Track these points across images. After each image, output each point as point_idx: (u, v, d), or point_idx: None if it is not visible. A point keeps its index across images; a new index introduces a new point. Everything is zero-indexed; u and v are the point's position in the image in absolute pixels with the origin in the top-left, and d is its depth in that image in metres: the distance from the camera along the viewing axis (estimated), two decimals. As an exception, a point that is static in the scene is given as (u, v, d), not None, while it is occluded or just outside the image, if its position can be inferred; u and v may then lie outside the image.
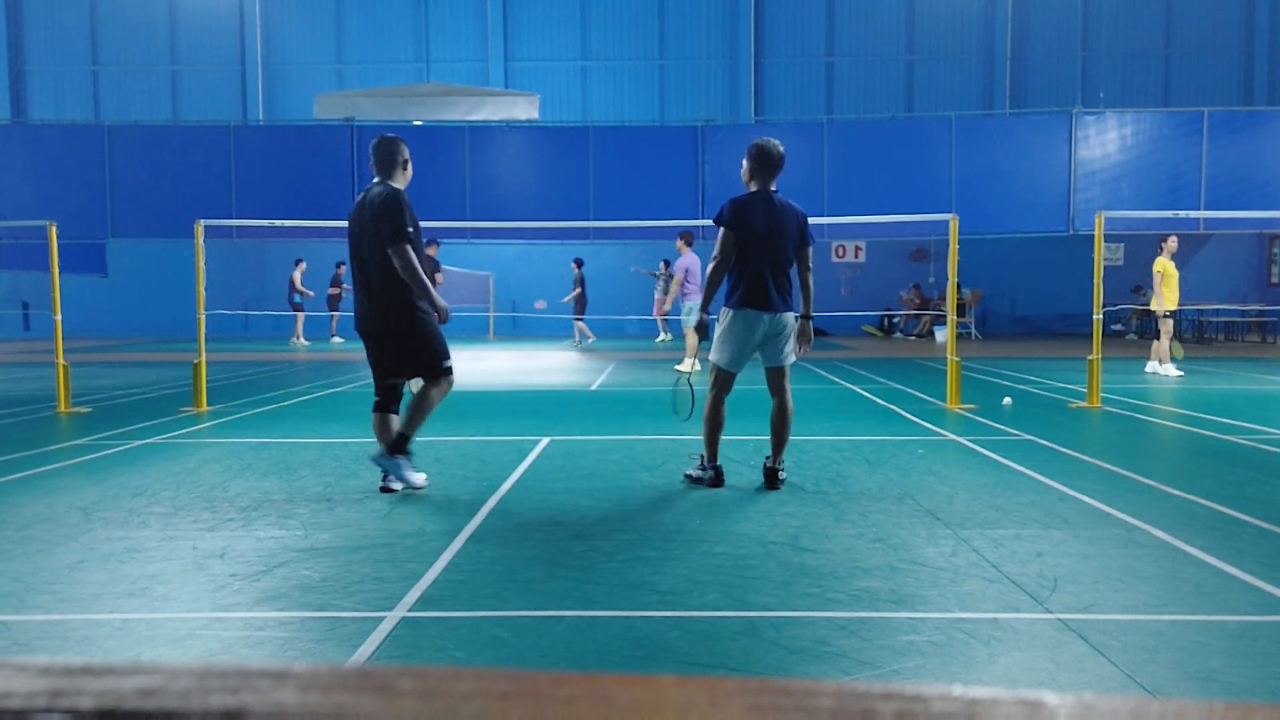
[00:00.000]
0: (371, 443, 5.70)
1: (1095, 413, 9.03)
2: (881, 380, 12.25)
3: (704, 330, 5.86)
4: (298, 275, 21.06)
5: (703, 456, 5.69)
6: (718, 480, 5.58)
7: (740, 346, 5.63)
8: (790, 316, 5.67)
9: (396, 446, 5.41)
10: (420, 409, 5.48)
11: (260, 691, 0.40)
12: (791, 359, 5.73)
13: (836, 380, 12.38)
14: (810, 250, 5.76)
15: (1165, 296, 12.81)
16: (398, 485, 5.45)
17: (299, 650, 3.09)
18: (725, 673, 2.86)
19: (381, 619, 3.32)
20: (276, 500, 5.26)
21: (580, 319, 19.88)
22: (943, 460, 6.54)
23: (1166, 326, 13.09)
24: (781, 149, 5.74)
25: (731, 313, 5.61)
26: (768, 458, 5.68)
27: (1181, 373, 13.01)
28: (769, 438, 5.75)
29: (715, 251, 5.62)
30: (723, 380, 5.73)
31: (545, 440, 7.42)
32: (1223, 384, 12.05)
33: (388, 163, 5.56)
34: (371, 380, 5.67)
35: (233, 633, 3.24)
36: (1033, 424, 8.14)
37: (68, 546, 4.30)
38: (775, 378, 5.73)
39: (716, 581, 3.75)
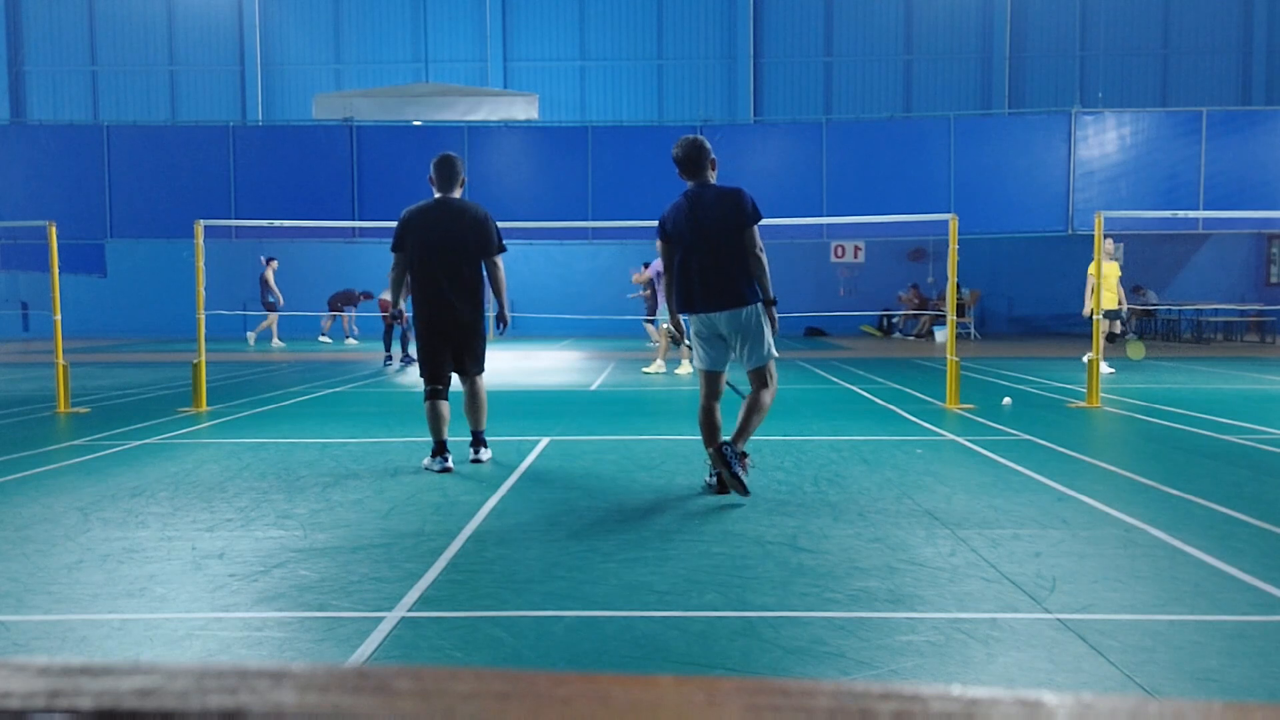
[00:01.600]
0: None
1: (1094, 413, 9.03)
2: (880, 380, 12.26)
3: (680, 334, 5.68)
4: (269, 274, 20.09)
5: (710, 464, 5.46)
6: (720, 487, 5.31)
7: (705, 343, 5.47)
8: (750, 309, 5.31)
9: (480, 440, 6.47)
10: (482, 404, 6.47)
11: (258, 692, 0.40)
12: (771, 355, 5.41)
13: (835, 380, 12.38)
14: (755, 231, 5.33)
15: (1104, 298, 12.84)
16: (485, 456, 6.46)
17: (297, 650, 3.09)
18: (723, 673, 2.86)
19: (380, 619, 3.32)
20: (275, 500, 5.26)
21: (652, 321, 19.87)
22: (941, 460, 6.54)
23: (1103, 327, 13.14)
24: (695, 144, 5.44)
25: (687, 319, 5.52)
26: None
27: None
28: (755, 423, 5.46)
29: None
30: (706, 383, 5.51)
31: (545, 440, 7.41)
32: (1221, 384, 12.06)
33: (454, 179, 6.34)
34: (425, 375, 6.34)
35: (231, 633, 3.24)
36: (1031, 424, 8.15)
37: (66, 547, 4.30)
38: (755, 377, 5.48)
39: (714, 582, 3.75)
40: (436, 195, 6.34)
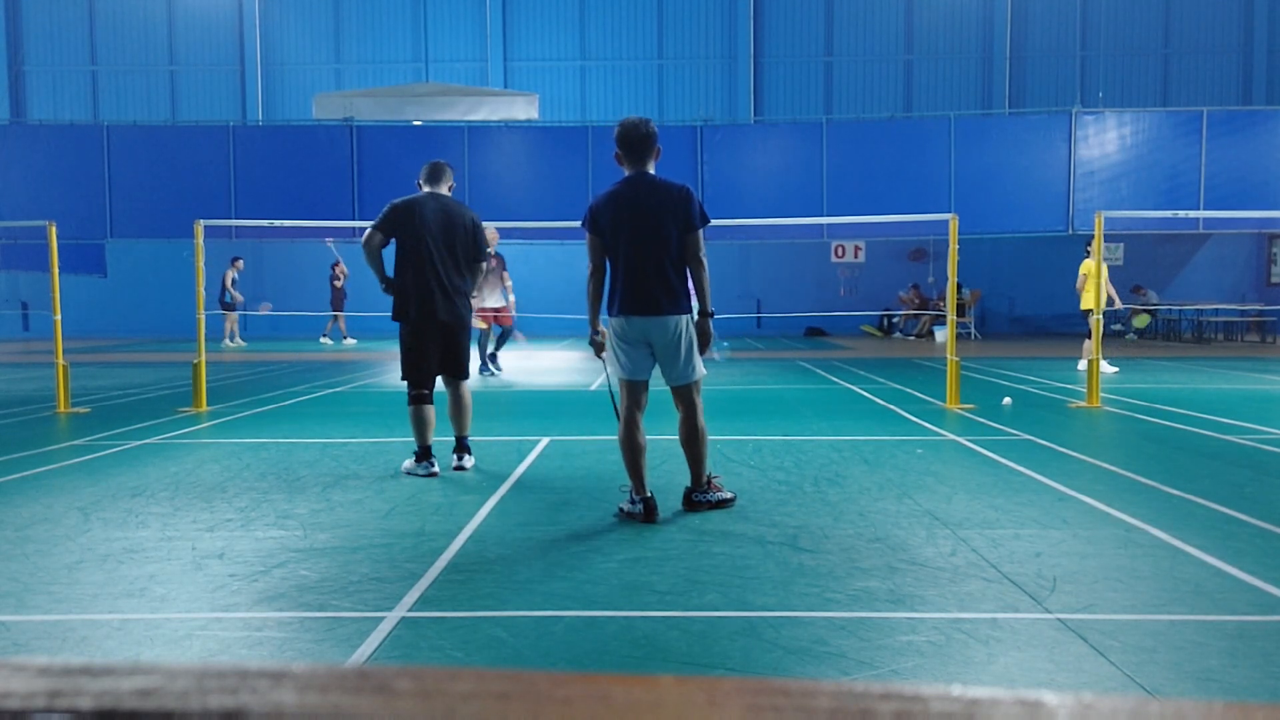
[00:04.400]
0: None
1: (1094, 413, 9.03)
2: (881, 380, 12.25)
3: (599, 350, 5.06)
4: (233, 274, 19.84)
5: (631, 489, 4.92)
6: (649, 514, 4.74)
7: (627, 351, 4.91)
8: (679, 320, 4.85)
9: (464, 446, 6.29)
10: (467, 409, 6.34)
11: (259, 692, 0.40)
12: (697, 373, 4.95)
13: (836, 380, 12.38)
14: (699, 236, 4.85)
15: (1089, 297, 12.71)
16: (469, 463, 6.28)
17: (297, 650, 3.09)
18: (724, 673, 2.86)
19: (380, 619, 3.32)
20: (275, 500, 5.26)
21: None
22: (942, 460, 6.54)
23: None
24: (643, 126, 4.90)
25: (610, 321, 4.94)
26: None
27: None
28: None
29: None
30: (627, 394, 4.95)
31: (545, 440, 7.42)
32: (1222, 384, 12.06)
33: (442, 178, 6.29)
34: (411, 378, 6.18)
35: (231, 633, 3.24)
36: (1032, 424, 8.14)
37: (66, 547, 4.30)
38: (677, 395, 5.01)
39: (715, 582, 3.75)
40: (425, 189, 6.19)
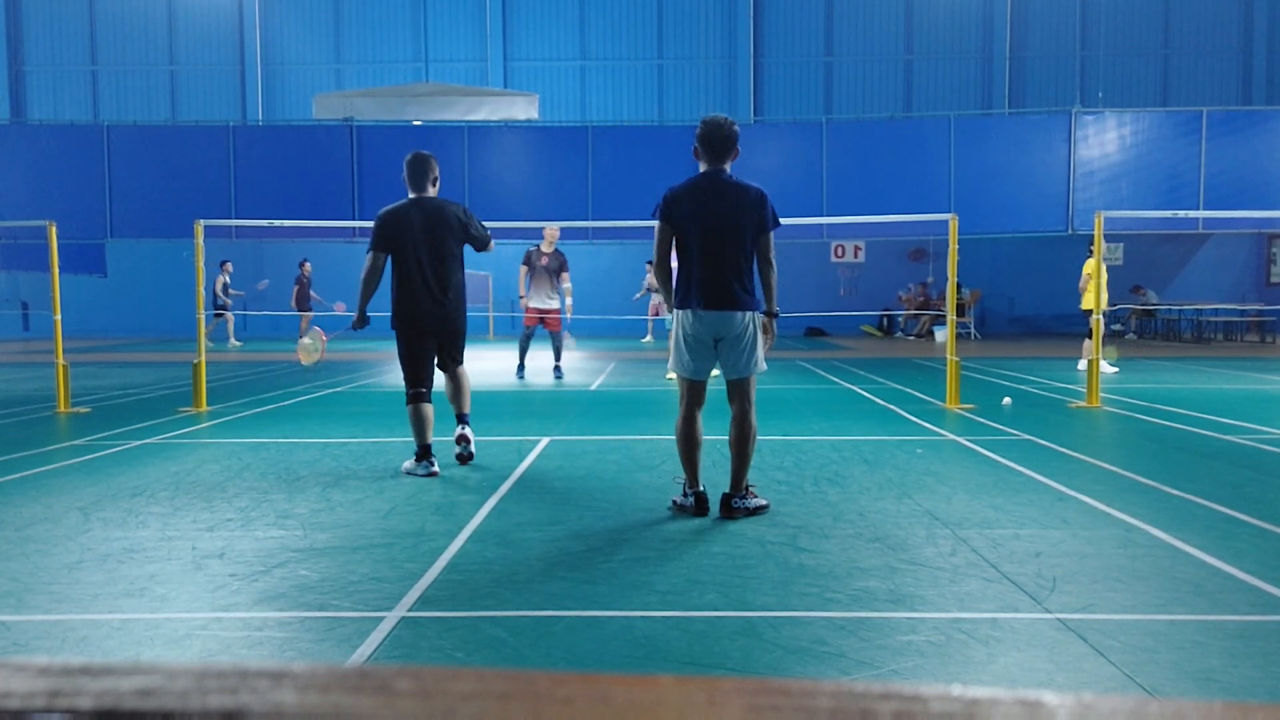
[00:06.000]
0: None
1: (1094, 413, 9.03)
2: (881, 380, 12.25)
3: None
4: (224, 279, 19.72)
5: (685, 481, 5.03)
6: (700, 507, 4.88)
7: (692, 350, 4.94)
8: (748, 315, 4.90)
9: (465, 421, 6.40)
10: (466, 388, 6.44)
11: (259, 692, 0.40)
12: (758, 368, 4.97)
13: (836, 380, 12.38)
14: (771, 237, 4.95)
15: (1089, 297, 12.65)
16: (470, 434, 6.38)
17: (298, 650, 3.09)
18: (724, 673, 2.86)
19: (380, 619, 3.32)
20: (275, 500, 5.26)
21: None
22: (942, 460, 6.54)
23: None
24: (726, 127, 4.96)
25: (677, 313, 4.99)
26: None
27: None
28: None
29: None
30: (688, 391, 5.06)
31: (545, 440, 7.41)
32: (1222, 384, 12.06)
33: (425, 177, 6.22)
34: (410, 378, 6.22)
35: (231, 633, 3.24)
36: (1032, 424, 8.14)
37: (66, 547, 4.30)
38: (734, 388, 4.99)
39: (715, 581, 3.75)
40: (411, 195, 6.20)
